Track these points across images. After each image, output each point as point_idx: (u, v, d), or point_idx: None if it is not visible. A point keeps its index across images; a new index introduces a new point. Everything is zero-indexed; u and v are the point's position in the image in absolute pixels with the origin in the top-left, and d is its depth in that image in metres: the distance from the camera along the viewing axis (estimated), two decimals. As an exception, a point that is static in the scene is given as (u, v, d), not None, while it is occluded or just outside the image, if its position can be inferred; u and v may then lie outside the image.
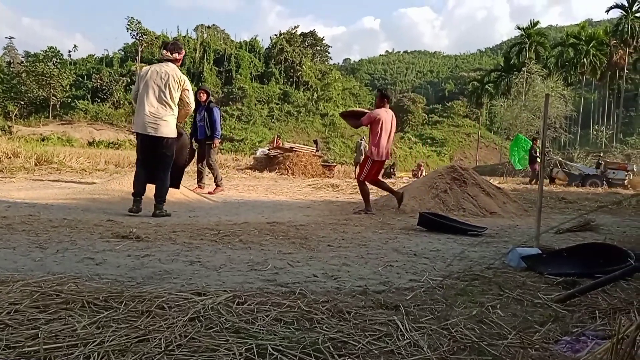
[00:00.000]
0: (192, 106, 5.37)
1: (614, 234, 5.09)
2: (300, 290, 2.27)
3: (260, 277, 2.60)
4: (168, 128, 5.15)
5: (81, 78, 59.27)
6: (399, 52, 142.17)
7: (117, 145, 39.59)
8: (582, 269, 2.80)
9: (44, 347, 1.46)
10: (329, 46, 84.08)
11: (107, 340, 1.52)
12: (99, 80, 56.07)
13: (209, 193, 8.25)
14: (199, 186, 8.63)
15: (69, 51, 67.34)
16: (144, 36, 57.56)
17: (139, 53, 56.70)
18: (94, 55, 71.44)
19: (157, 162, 5.22)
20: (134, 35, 57.95)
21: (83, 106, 53.36)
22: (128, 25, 56.52)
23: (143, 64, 55.41)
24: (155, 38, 63.84)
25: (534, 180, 16.33)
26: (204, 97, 8.49)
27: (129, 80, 56.67)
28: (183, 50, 5.48)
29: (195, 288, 2.24)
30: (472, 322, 1.89)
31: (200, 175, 8.77)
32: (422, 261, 3.27)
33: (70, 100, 54.18)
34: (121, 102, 55.25)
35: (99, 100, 55.29)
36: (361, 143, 22.67)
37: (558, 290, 2.44)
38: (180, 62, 5.39)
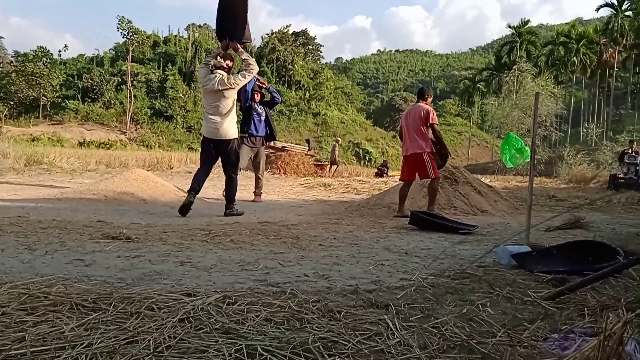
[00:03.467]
0: (248, 75, 5.62)
1: (603, 231, 5.13)
2: (291, 290, 2.27)
3: (251, 277, 2.59)
4: (228, 130, 5.57)
5: (71, 78, 58.46)
6: (390, 51, 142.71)
7: (108, 146, 39.16)
8: (572, 266, 2.81)
9: (31, 350, 1.45)
10: (321, 45, 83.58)
11: (95, 343, 1.51)
12: (89, 80, 55.36)
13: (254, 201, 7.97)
14: (258, 195, 8.18)
15: (59, 51, 65.85)
16: (134, 35, 57.00)
17: (130, 52, 56.15)
18: (84, 55, 70.49)
19: (224, 163, 5.69)
20: (124, 34, 57.36)
21: (73, 106, 52.65)
22: (118, 24, 55.80)
23: (134, 64, 54.91)
24: (147, 37, 63.33)
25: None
26: (258, 97, 8.05)
27: (120, 80, 56.08)
28: (233, 60, 5.78)
29: (186, 289, 2.23)
30: (462, 320, 1.90)
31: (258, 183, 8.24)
32: (413, 260, 3.28)
33: (61, 100, 53.43)
34: (112, 102, 54.59)
35: (89, 100, 54.58)
36: (335, 145, 23.22)
37: (548, 288, 2.45)
38: (230, 69, 5.70)
